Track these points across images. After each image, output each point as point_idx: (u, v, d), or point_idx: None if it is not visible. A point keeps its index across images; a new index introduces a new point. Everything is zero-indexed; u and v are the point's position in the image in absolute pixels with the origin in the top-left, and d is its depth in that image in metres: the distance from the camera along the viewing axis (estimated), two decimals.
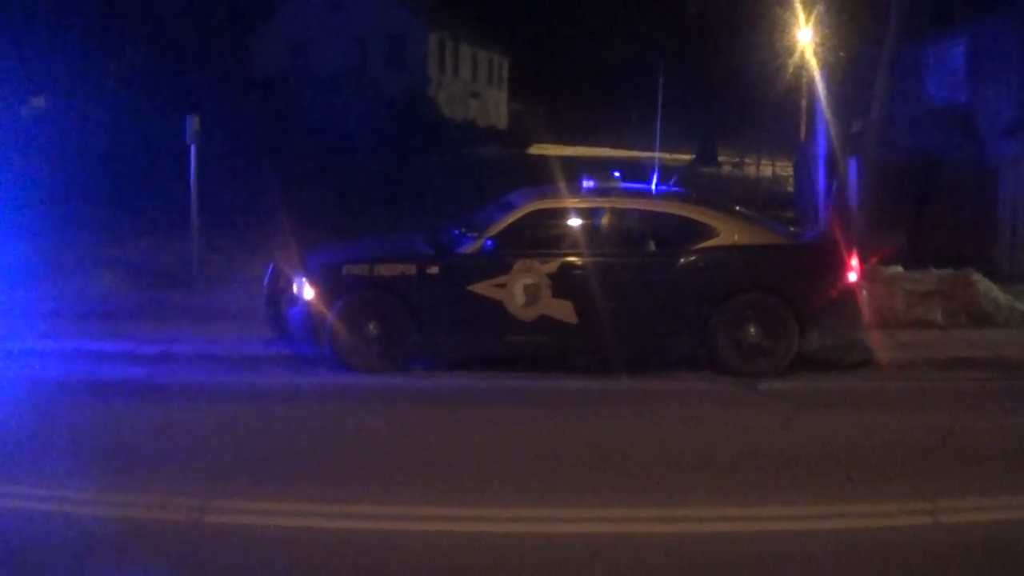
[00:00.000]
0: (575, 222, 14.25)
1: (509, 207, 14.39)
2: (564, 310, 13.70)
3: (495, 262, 13.74)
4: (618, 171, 15.00)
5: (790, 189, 40.96)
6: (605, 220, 14.18)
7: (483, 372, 13.86)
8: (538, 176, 23.25)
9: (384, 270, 13.90)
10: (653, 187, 15.30)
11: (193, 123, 18.40)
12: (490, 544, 8.05)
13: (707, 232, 13.98)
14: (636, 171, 18.67)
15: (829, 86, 22.46)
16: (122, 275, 19.83)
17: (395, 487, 9.20)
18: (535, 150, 72.23)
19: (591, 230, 14.14)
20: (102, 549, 7.84)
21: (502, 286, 13.69)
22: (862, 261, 14.40)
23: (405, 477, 9.52)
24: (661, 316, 13.82)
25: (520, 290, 13.66)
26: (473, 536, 8.19)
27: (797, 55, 30.68)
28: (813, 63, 24.53)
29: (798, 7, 26.44)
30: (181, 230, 20.53)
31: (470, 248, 13.91)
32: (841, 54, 22.94)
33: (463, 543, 8.05)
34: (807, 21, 26.45)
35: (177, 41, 54.47)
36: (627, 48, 72.91)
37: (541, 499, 8.96)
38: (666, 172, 17.33)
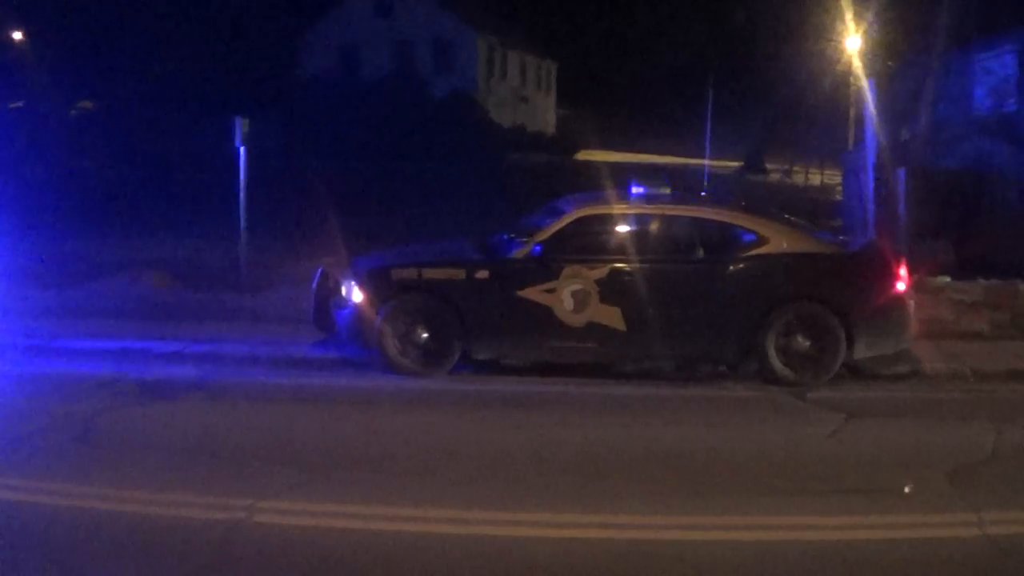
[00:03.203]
0: (623, 228, 14.20)
1: (558, 213, 14.37)
2: (612, 316, 13.69)
3: (544, 267, 13.74)
4: (666, 177, 14.94)
5: (839, 198, 40.78)
6: (653, 227, 14.14)
7: (530, 377, 13.90)
8: (585, 182, 23.32)
9: (433, 274, 13.94)
10: (702, 194, 15.29)
11: (242, 125, 18.46)
12: (534, 548, 8.05)
13: (756, 240, 13.93)
14: (684, 178, 18.66)
15: (877, 94, 22.36)
16: (169, 275, 19.97)
17: (440, 490, 9.25)
18: (582, 156, 72.19)
19: (639, 237, 14.08)
20: (152, 547, 7.91)
21: (551, 291, 13.68)
22: (910, 271, 14.33)
23: (450, 480, 9.55)
24: (709, 323, 13.79)
25: (568, 296, 13.65)
26: (517, 540, 8.19)
27: (845, 63, 30.63)
28: (861, 71, 24.46)
29: (847, 15, 26.37)
30: (228, 230, 20.62)
31: (519, 253, 13.92)
32: (889, 63, 22.91)
33: (507, 547, 8.06)
34: (856, 29, 26.38)
35: (226, 44, 54.81)
36: (676, 55, 72.88)
37: (591, 505, 8.95)
38: (714, 179, 17.31)
